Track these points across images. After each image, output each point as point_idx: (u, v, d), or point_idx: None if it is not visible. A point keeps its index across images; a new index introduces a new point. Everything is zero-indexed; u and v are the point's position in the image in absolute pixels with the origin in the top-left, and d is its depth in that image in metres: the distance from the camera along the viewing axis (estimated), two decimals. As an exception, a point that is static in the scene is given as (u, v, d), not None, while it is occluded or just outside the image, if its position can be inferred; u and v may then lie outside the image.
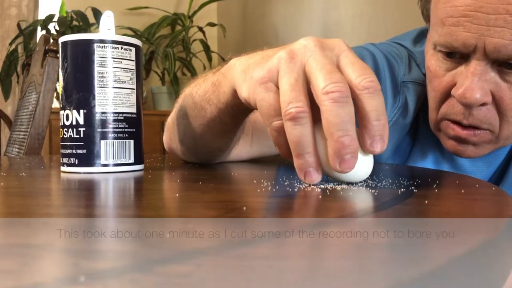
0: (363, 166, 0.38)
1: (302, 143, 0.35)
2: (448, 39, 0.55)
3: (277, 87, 0.37)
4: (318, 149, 0.38)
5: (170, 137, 0.66)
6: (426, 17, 0.63)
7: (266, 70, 0.38)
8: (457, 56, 0.56)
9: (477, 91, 0.53)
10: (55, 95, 1.52)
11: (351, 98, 0.34)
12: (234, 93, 0.45)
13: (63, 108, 0.51)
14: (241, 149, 0.66)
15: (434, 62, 0.59)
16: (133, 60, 0.52)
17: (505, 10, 0.50)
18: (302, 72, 0.36)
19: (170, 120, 0.66)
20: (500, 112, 0.56)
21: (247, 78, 0.41)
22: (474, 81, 0.54)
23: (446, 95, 0.59)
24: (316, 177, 0.36)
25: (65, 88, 0.51)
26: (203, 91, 0.53)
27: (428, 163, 0.71)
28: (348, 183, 0.39)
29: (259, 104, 0.38)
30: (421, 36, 0.74)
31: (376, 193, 0.33)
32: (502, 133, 0.58)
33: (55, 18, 2.37)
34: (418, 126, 0.71)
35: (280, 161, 0.72)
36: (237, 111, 0.49)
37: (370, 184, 0.38)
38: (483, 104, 0.55)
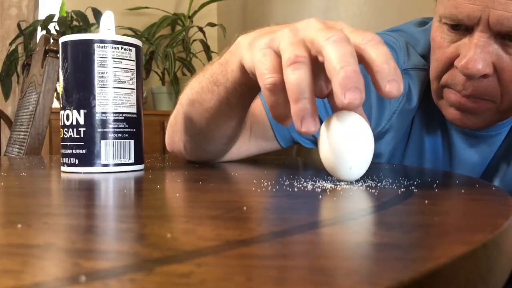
0: (361, 164, 0.39)
1: (301, 86, 0.34)
2: (454, 11, 0.56)
3: (277, 54, 0.38)
4: (321, 150, 0.39)
5: (173, 133, 0.67)
6: None
7: (268, 38, 0.39)
8: (462, 28, 0.57)
9: (479, 62, 0.55)
10: (55, 95, 1.52)
11: (352, 44, 0.35)
12: (242, 69, 0.45)
13: (63, 108, 0.51)
14: (240, 144, 0.66)
15: (439, 34, 0.60)
16: (133, 60, 0.53)
17: None
18: (304, 40, 0.37)
19: (173, 117, 0.66)
20: (501, 83, 0.57)
21: (251, 48, 0.42)
22: (476, 53, 0.55)
23: (449, 65, 0.60)
24: (313, 125, 0.35)
25: (65, 88, 0.51)
26: (210, 74, 0.53)
27: (427, 141, 0.71)
28: (347, 182, 0.39)
29: (256, 66, 0.38)
30: (423, 24, 0.76)
31: (376, 193, 0.33)
32: (503, 104, 0.59)
33: (55, 18, 2.37)
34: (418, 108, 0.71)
35: (280, 161, 0.72)
36: (245, 91, 0.49)
37: (370, 184, 0.38)
38: (485, 76, 0.56)
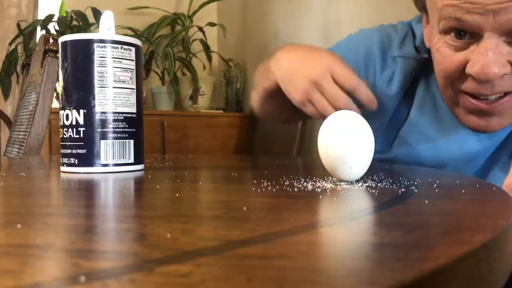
0: (361, 164, 0.39)
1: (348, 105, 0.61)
2: (457, 25, 0.56)
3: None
4: (321, 150, 0.40)
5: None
6: (421, 7, 0.65)
7: (310, 83, 0.63)
8: (467, 37, 0.57)
9: (494, 66, 0.54)
10: (55, 95, 1.52)
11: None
12: (274, 86, 0.69)
13: (63, 108, 0.51)
14: None
15: (441, 44, 0.60)
16: (133, 60, 0.52)
17: None
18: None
19: None
20: None
21: (291, 79, 0.66)
22: (489, 57, 0.54)
23: (459, 73, 0.59)
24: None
25: (65, 88, 0.51)
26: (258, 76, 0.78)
27: (424, 130, 0.72)
28: (347, 182, 0.39)
29: (314, 102, 0.63)
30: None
31: (376, 193, 0.33)
32: None
33: (55, 18, 2.37)
34: (415, 97, 0.74)
35: (280, 161, 0.72)
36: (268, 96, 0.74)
37: (370, 184, 0.38)
38: (503, 75, 0.56)
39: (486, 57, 0.54)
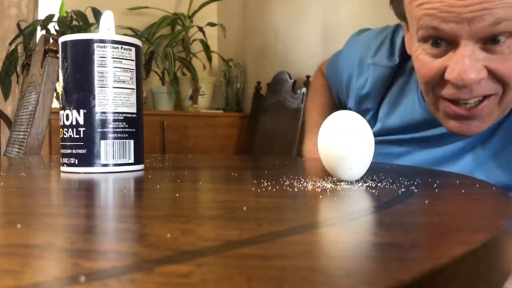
0: (361, 164, 0.39)
1: None
2: (434, 33, 0.58)
3: None
4: (321, 150, 0.40)
5: None
6: (401, 16, 0.67)
7: None
8: (443, 45, 0.59)
9: (471, 71, 0.56)
10: (55, 95, 1.52)
11: None
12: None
13: (63, 108, 0.51)
14: None
15: (420, 52, 0.62)
16: (133, 60, 0.52)
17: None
18: None
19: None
20: (499, 80, 0.58)
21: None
22: (465, 63, 0.56)
23: (438, 79, 0.61)
24: None
25: (65, 88, 0.51)
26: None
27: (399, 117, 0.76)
28: (347, 182, 0.39)
29: None
30: None
31: (376, 193, 0.33)
32: (505, 98, 0.60)
33: (55, 18, 2.37)
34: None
35: (280, 161, 0.72)
36: None
37: (370, 184, 0.38)
38: (480, 80, 0.57)
39: (463, 64, 0.56)
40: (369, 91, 0.79)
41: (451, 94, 0.60)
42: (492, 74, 0.58)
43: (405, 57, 0.75)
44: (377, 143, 0.77)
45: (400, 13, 0.67)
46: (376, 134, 0.77)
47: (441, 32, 0.57)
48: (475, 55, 0.57)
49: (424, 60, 0.61)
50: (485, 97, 0.59)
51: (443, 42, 0.59)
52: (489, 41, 0.56)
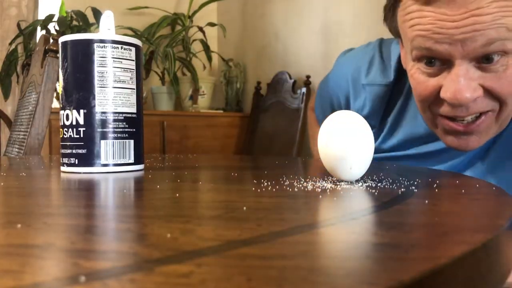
0: (361, 164, 0.39)
1: None
2: (428, 53, 0.59)
3: None
4: (321, 150, 0.40)
5: None
6: (395, 33, 0.68)
7: None
8: (438, 64, 0.59)
9: (466, 91, 0.56)
10: (55, 95, 1.52)
11: None
12: None
13: (63, 108, 0.51)
14: None
15: (415, 71, 0.62)
16: (133, 60, 0.52)
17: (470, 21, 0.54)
18: None
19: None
20: (495, 97, 0.59)
21: None
22: (460, 82, 0.56)
23: (434, 97, 0.62)
24: None
25: (65, 88, 0.51)
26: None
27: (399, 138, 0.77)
28: (347, 182, 0.39)
29: None
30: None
31: (376, 193, 0.33)
32: (502, 114, 0.60)
33: (55, 18, 2.37)
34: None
35: (280, 161, 0.72)
36: None
37: (370, 184, 0.38)
38: (476, 99, 0.58)
39: (458, 83, 0.56)
40: (369, 111, 0.78)
41: (447, 112, 0.61)
42: (488, 92, 0.58)
43: (402, 72, 0.75)
44: (382, 159, 0.77)
45: (394, 30, 0.68)
46: (380, 151, 0.78)
47: (434, 53, 0.58)
48: (470, 74, 0.57)
49: (419, 79, 0.62)
50: (482, 114, 0.60)
51: (437, 61, 0.59)
52: (483, 60, 0.57)
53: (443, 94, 0.58)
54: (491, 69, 0.57)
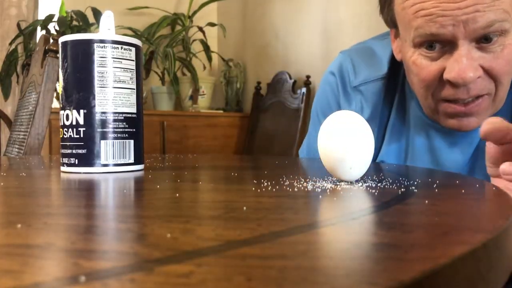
0: (361, 164, 0.39)
1: None
2: (431, 38, 0.61)
3: None
4: (321, 150, 0.40)
5: None
6: (391, 23, 0.69)
7: None
8: (438, 47, 0.62)
9: (469, 70, 0.59)
10: (55, 95, 1.52)
11: None
12: None
13: (63, 108, 0.51)
14: None
15: (417, 57, 0.64)
16: (133, 60, 0.52)
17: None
18: None
19: None
20: (493, 78, 0.62)
21: None
22: (463, 62, 0.60)
23: (437, 81, 0.64)
24: None
25: (65, 88, 0.51)
26: None
27: (406, 147, 0.76)
28: (347, 182, 0.39)
29: None
30: (384, 36, 0.82)
31: (376, 193, 0.33)
32: (498, 95, 0.64)
33: (55, 18, 2.37)
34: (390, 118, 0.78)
35: (280, 161, 0.72)
36: None
37: (370, 184, 0.38)
38: (477, 78, 0.61)
39: (461, 63, 0.60)
40: (369, 113, 0.76)
41: (450, 95, 0.63)
42: (486, 72, 0.61)
43: (394, 65, 0.75)
44: None
45: (391, 20, 0.69)
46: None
47: (439, 36, 0.60)
48: (471, 54, 0.60)
49: (422, 64, 0.64)
50: (479, 96, 0.63)
51: (437, 44, 0.62)
52: (482, 40, 0.60)
53: (447, 75, 0.61)
54: (490, 49, 0.60)
